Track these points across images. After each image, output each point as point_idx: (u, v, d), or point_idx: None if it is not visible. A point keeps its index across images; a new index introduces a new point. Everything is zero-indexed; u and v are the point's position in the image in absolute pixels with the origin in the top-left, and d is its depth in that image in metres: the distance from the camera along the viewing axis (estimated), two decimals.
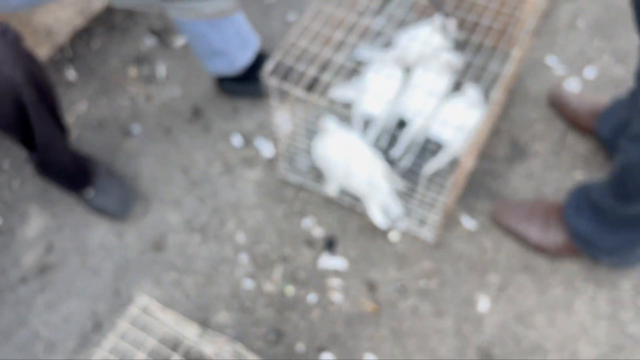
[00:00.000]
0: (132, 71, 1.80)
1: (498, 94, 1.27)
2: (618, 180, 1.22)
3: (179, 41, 1.88)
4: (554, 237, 1.41)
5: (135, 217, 1.52)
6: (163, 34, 1.89)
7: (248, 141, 1.66)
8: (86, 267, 1.47)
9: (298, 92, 1.22)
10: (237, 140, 1.66)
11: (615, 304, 1.39)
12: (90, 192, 1.49)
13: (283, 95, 1.37)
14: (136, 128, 1.69)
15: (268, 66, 1.24)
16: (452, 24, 1.52)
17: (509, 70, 1.25)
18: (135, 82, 1.78)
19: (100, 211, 1.50)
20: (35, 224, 1.53)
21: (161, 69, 1.81)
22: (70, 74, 1.80)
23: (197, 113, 1.72)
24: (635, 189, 1.17)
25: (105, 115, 1.72)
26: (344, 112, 1.54)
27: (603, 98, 1.63)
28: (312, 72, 1.26)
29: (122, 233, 1.51)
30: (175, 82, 1.78)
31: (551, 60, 1.80)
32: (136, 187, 1.57)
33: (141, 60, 1.83)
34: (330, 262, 1.45)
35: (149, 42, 1.87)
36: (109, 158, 1.63)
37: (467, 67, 1.65)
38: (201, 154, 1.64)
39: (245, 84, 1.67)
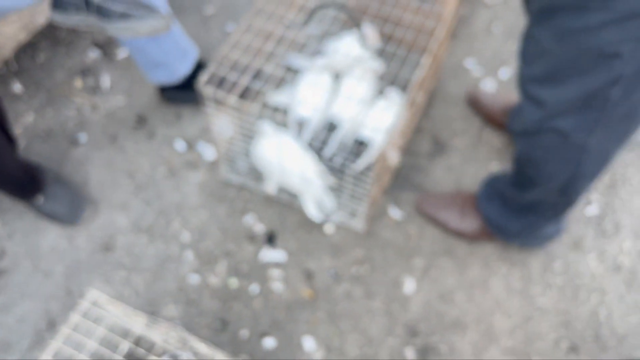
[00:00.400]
0: (78, 83, 1.88)
1: (411, 96, 1.41)
2: (515, 171, 1.38)
3: (122, 53, 1.96)
4: (470, 223, 1.57)
5: (85, 221, 1.60)
6: (106, 46, 1.96)
7: (191, 146, 1.75)
8: (38, 270, 1.54)
9: (231, 100, 1.33)
10: (180, 145, 1.75)
11: (526, 280, 1.55)
12: (39, 199, 1.56)
13: (219, 102, 1.48)
14: (83, 137, 1.77)
15: (203, 77, 1.35)
16: (371, 35, 1.66)
17: (419, 75, 1.39)
18: (80, 93, 1.85)
19: (51, 217, 1.58)
20: None
21: (105, 80, 1.88)
22: (16, 87, 1.86)
23: (141, 121, 1.81)
24: (526, 178, 1.33)
25: (52, 125, 1.79)
26: (276, 118, 1.65)
27: (514, 96, 1.80)
28: (244, 81, 1.37)
29: (72, 236, 1.59)
30: (119, 92, 1.86)
31: (469, 63, 1.96)
32: (85, 192, 1.65)
33: (86, 72, 1.90)
34: (270, 254, 1.57)
35: (93, 54, 1.94)
36: (57, 166, 1.70)
37: (388, 73, 1.79)
38: (146, 159, 1.73)
39: (186, 91, 1.76)
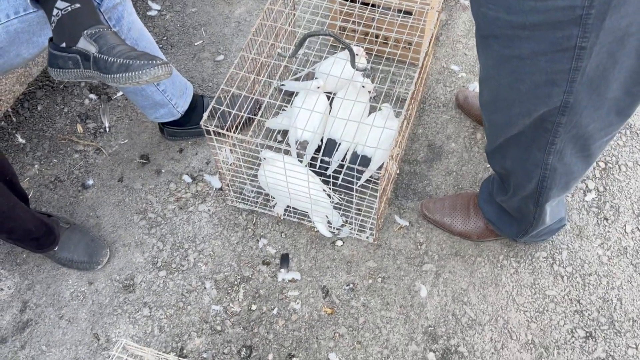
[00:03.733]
0: (78, 128, 1.85)
1: (407, 111, 1.40)
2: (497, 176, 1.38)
3: (119, 93, 1.93)
4: (475, 224, 1.55)
5: (103, 264, 1.57)
6: (102, 88, 1.93)
7: (197, 178, 1.73)
8: (62, 318, 1.51)
9: (233, 135, 1.31)
10: (186, 178, 1.73)
11: (535, 273, 1.54)
12: (55, 248, 1.53)
13: (221, 136, 1.46)
14: (90, 180, 1.74)
15: (204, 115, 1.33)
16: (360, 55, 1.64)
17: (412, 90, 1.38)
18: (82, 137, 1.83)
19: (68, 265, 1.55)
20: (5, 286, 1.56)
21: (106, 122, 1.85)
22: (18, 139, 1.82)
23: (145, 158, 1.78)
24: (504, 185, 1.33)
25: (58, 173, 1.75)
26: (277, 142, 1.63)
27: None
28: (244, 111, 1.35)
29: (92, 280, 1.56)
30: (120, 133, 1.84)
31: (454, 67, 1.95)
32: (99, 235, 1.62)
33: (85, 116, 1.87)
34: (286, 276, 1.55)
35: (90, 98, 1.91)
36: (68, 213, 1.67)
37: (380, 89, 1.78)
38: (155, 196, 1.70)
39: (186, 126, 1.74)
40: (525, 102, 1.03)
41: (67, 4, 1.16)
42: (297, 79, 1.80)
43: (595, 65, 0.92)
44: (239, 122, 1.47)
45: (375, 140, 1.47)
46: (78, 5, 1.16)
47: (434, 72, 1.93)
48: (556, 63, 0.93)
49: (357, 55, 1.66)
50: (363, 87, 1.59)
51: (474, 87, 1.89)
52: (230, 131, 1.44)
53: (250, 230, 1.63)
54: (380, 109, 1.57)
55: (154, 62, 1.12)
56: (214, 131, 1.33)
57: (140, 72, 1.09)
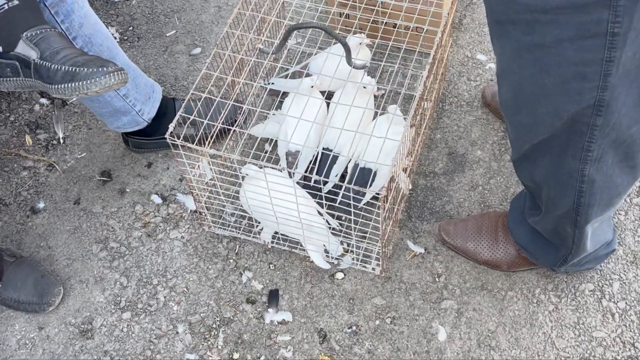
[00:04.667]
0: (27, 140, 1.89)
1: (416, 113, 1.41)
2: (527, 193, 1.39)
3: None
4: (505, 250, 1.56)
5: (55, 305, 1.60)
6: None
7: (168, 198, 1.76)
8: None
9: (204, 150, 1.34)
10: (156, 199, 1.76)
11: (580, 310, 1.54)
12: None
13: (193, 150, 1.49)
14: (41, 203, 1.78)
15: (170, 125, 1.36)
16: (361, 49, 1.66)
17: (421, 88, 1.40)
18: (32, 151, 1.87)
19: (14, 306, 1.58)
20: None
21: (60, 132, 1.89)
22: None
23: (106, 175, 1.81)
24: (535, 202, 1.34)
25: (3, 194, 1.80)
26: (262, 154, 1.66)
27: None
28: (221, 118, 1.38)
29: (43, 325, 1.59)
30: (77, 145, 1.87)
31: (480, 55, 1.96)
32: (51, 270, 1.65)
33: (36, 125, 1.92)
34: (275, 317, 1.57)
35: (41, 103, 1.96)
36: (14, 242, 1.71)
37: (385, 88, 1.80)
38: (118, 220, 1.73)
39: (154, 136, 1.77)
40: (553, 99, 1.04)
41: (4, 1, 1.19)
42: (286, 77, 1.82)
43: (631, 55, 0.93)
44: (214, 133, 1.50)
45: (379, 151, 1.49)
46: (16, 2, 1.20)
47: (455, 62, 1.95)
48: (585, 52, 0.94)
49: (360, 44, 1.68)
50: (364, 87, 1.60)
51: None
52: (205, 144, 1.47)
53: (231, 261, 1.65)
54: (384, 112, 1.59)
55: (105, 68, 1.15)
56: (182, 145, 1.35)
57: (88, 82, 1.13)
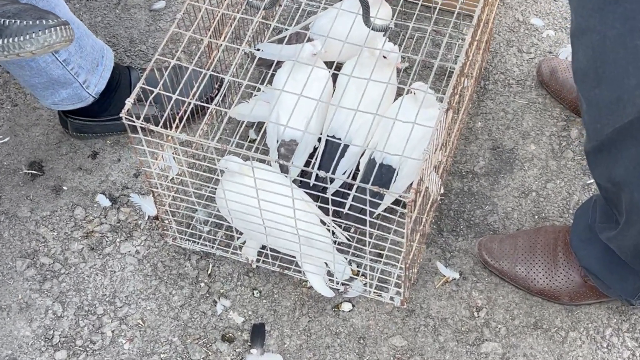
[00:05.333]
0: None
1: (453, 94, 1.40)
2: (601, 199, 1.39)
3: None
4: (566, 276, 1.55)
5: None
6: None
7: (119, 200, 1.74)
8: None
9: (174, 134, 1.31)
10: (102, 200, 1.74)
11: None
12: None
13: (156, 136, 1.47)
14: None
15: (128, 100, 1.34)
16: (382, 6, 1.65)
17: (461, 62, 1.38)
18: None
19: None
20: None
21: None
22: None
23: (37, 168, 1.79)
24: (619, 210, 1.33)
25: None
26: (248, 143, 1.64)
27: None
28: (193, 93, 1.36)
29: None
30: None
31: (536, 20, 1.96)
32: None
33: None
34: None
35: None
36: None
37: (412, 60, 1.78)
38: (51, 228, 1.71)
39: (102, 117, 1.76)
40: None
41: None
42: (281, 41, 1.81)
43: None
44: (185, 112, 1.48)
45: (403, 142, 1.48)
46: None
47: (502, 28, 1.94)
48: None
49: (377, 5, 1.67)
50: (384, 57, 1.59)
51: (568, 52, 1.89)
52: (172, 127, 1.45)
53: (202, 285, 1.63)
54: (411, 92, 1.58)
55: (45, 21, 1.13)
56: (142, 128, 1.33)
57: (21, 39, 1.11)
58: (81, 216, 1.73)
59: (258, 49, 1.78)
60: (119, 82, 1.75)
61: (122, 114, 1.33)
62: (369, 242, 1.50)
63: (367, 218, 1.40)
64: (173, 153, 1.56)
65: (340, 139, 1.61)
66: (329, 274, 1.59)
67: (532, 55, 1.91)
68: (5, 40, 1.12)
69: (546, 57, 1.87)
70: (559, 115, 1.82)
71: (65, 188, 1.77)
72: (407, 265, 1.48)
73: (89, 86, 1.67)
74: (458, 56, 1.77)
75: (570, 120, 1.81)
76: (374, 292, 1.59)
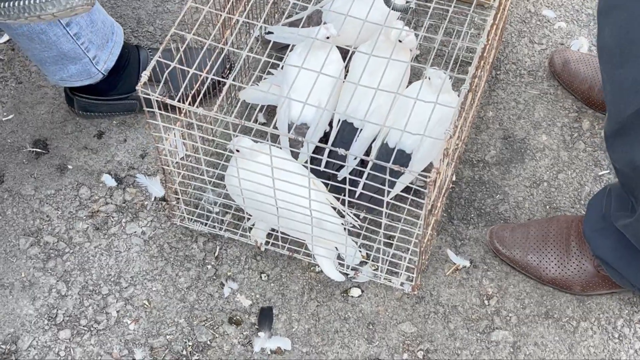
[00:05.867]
0: None
1: (472, 80, 1.39)
2: (619, 185, 1.39)
3: (2, 38, 1.93)
4: (578, 265, 1.55)
5: None
6: None
7: (125, 180, 1.73)
8: None
9: (192, 109, 1.30)
10: (108, 180, 1.73)
11: None
12: None
13: (170, 112, 1.45)
14: None
15: (143, 75, 1.32)
16: None
17: (481, 47, 1.37)
18: None
19: None
20: None
21: None
22: None
23: (42, 146, 1.78)
24: (637, 196, 1.33)
25: None
26: (257, 127, 1.63)
27: None
28: (206, 73, 1.35)
29: None
30: (1, 103, 1.84)
31: (548, 11, 1.96)
32: None
33: None
34: (268, 344, 1.54)
35: None
36: None
37: (429, 44, 1.78)
38: (55, 207, 1.70)
39: (110, 95, 1.75)
40: None
41: None
42: (293, 24, 1.79)
43: None
44: (198, 90, 1.47)
45: (418, 126, 1.47)
46: None
47: (514, 19, 1.94)
48: None
49: None
50: (400, 41, 1.58)
51: (579, 44, 1.90)
52: (186, 102, 1.44)
53: (210, 267, 1.62)
54: (426, 77, 1.57)
55: None
56: (159, 102, 1.32)
57: (44, 0, 1.09)
58: (86, 195, 1.72)
59: (266, 32, 1.77)
60: (128, 61, 1.74)
61: (138, 86, 1.32)
62: (383, 224, 1.49)
63: (385, 198, 1.39)
64: (183, 133, 1.54)
65: (354, 122, 1.61)
66: (339, 258, 1.58)
67: (544, 47, 1.92)
68: (27, 1, 1.10)
69: (558, 48, 1.88)
70: (571, 107, 1.83)
71: (70, 167, 1.76)
72: (422, 249, 1.47)
73: (98, 62, 1.66)
74: (474, 43, 1.77)
75: (582, 112, 1.82)
76: (384, 278, 1.58)
